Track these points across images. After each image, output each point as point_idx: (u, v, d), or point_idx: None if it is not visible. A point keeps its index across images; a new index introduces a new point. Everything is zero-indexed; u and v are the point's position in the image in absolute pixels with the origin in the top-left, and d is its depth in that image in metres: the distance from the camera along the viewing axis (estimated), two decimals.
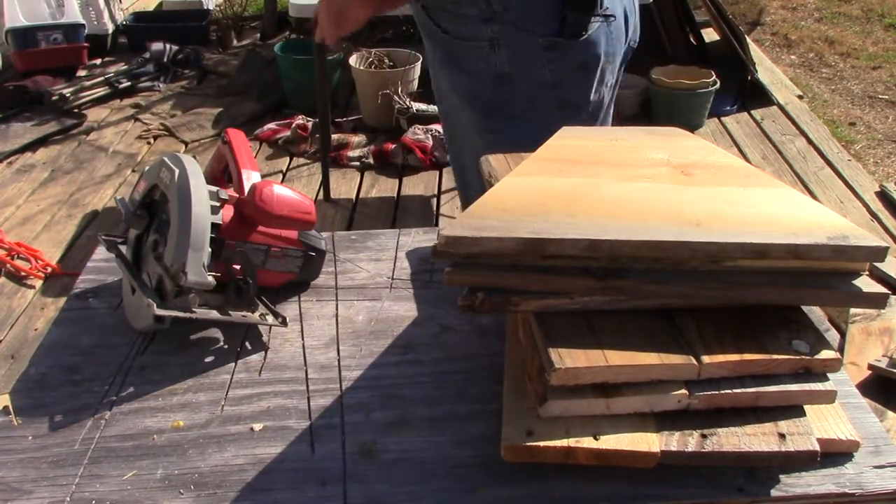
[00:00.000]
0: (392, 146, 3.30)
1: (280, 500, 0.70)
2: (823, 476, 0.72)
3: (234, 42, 4.71)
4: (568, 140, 0.95)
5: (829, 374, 0.72)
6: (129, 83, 4.05)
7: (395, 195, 3.10)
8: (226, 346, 0.89)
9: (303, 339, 0.90)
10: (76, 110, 3.81)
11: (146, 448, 0.75)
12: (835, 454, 0.73)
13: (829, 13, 5.39)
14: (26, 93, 3.86)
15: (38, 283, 2.58)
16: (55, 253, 2.75)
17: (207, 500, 0.70)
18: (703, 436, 0.68)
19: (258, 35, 4.77)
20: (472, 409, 0.79)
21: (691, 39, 4.25)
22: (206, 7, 4.94)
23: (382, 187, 3.16)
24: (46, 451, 0.75)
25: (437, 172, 3.23)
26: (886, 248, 0.72)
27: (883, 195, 3.11)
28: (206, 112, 3.80)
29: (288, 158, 3.40)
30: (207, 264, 0.84)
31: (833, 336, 2.01)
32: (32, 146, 3.51)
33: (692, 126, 3.50)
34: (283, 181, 3.21)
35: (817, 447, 0.68)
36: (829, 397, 0.71)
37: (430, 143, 3.27)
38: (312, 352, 0.88)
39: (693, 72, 3.61)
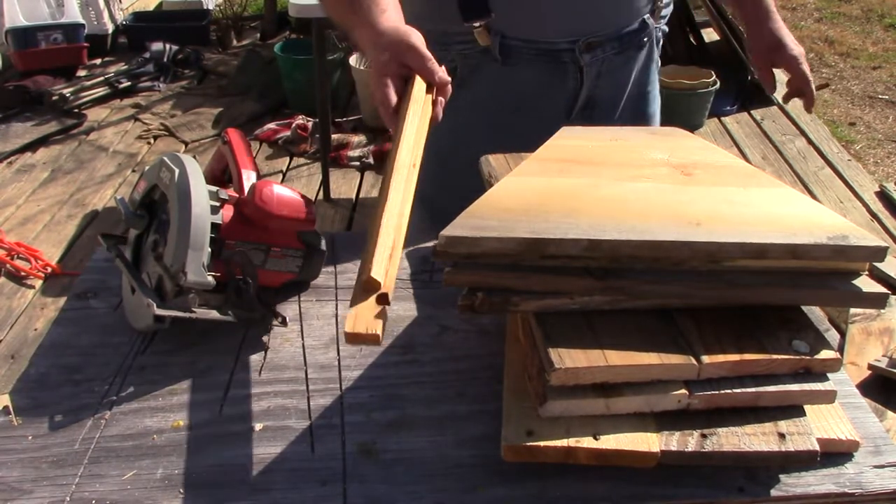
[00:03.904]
0: None
1: (280, 500, 0.70)
2: (823, 476, 0.72)
3: (234, 42, 4.71)
4: (568, 140, 0.95)
5: (829, 374, 0.72)
6: (129, 83, 4.05)
7: None
8: (226, 346, 0.89)
9: (303, 339, 0.90)
10: (76, 110, 3.81)
11: (146, 448, 0.75)
12: (835, 454, 0.73)
13: (829, 13, 5.39)
14: (26, 93, 3.86)
15: (38, 283, 2.58)
16: (55, 253, 2.75)
17: (207, 499, 0.70)
18: (703, 436, 0.68)
19: (258, 35, 4.77)
20: (472, 409, 0.79)
21: (691, 39, 4.25)
22: (206, 7, 4.93)
23: None
24: (46, 451, 0.75)
25: None
26: (886, 248, 0.72)
27: (883, 195, 3.11)
28: (206, 112, 3.80)
29: (288, 158, 3.40)
30: (207, 264, 0.84)
31: (833, 336, 2.01)
32: (32, 146, 3.51)
33: (692, 126, 3.50)
34: (283, 181, 3.21)
35: (817, 447, 0.68)
36: (829, 397, 0.71)
37: None
38: (312, 352, 0.88)
39: (693, 72, 3.61)
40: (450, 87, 0.92)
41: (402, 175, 0.76)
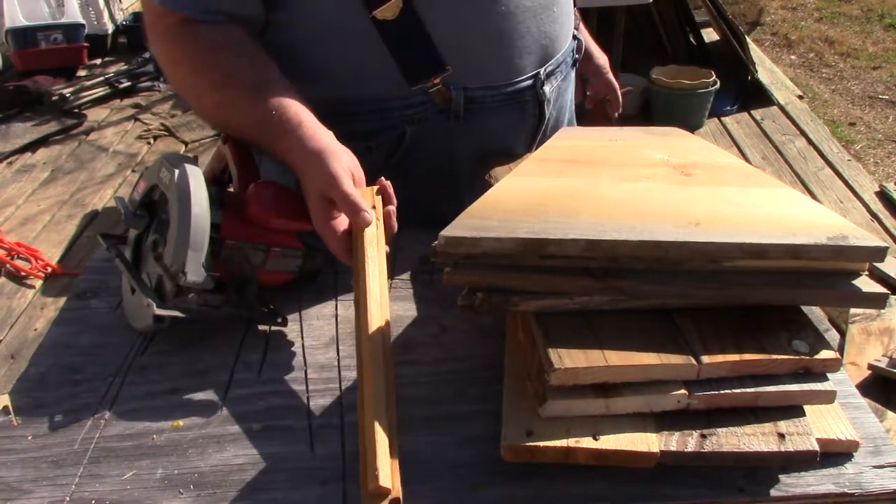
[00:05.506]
0: None
1: (280, 500, 0.70)
2: (823, 476, 0.72)
3: None
4: (568, 140, 0.95)
5: (828, 374, 0.72)
6: (129, 83, 4.06)
7: None
8: (226, 346, 0.89)
9: (303, 339, 0.90)
10: (76, 110, 3.82)
11: (146, 448, 0.75)
12: (834, 454, 0.73)
13: (829, 13, 5.39)
14: (26, 93, 3.87)
15: (38, 283, 2.59)
16: (55, 253, 2.75)
17: (207, 499, 0.70)
18: (703, 436, 0.68)
19: None
20: (472, 409, 0.79)
21: (691, 39, 4.25)
22: None
23: None
24: (46, 451, 0.75)
25: None
26: (886, 248, 0.72)
27: (883, 195, 3.11)
28: None
29: None
30: (207, 264, 0.84)
31: (833, 336, 2.01)
32: (32, 146, 3.51)
33: (692, 126, 3.50)
34: None
35: (817, 447, 0.68)
36: (828, 397, 0.71)
37: None
38: (312, 352, 0.88)
39: (693, 72, 3.61)
40: (394, 199, 0.89)
41: (377, 345, 0.73)
